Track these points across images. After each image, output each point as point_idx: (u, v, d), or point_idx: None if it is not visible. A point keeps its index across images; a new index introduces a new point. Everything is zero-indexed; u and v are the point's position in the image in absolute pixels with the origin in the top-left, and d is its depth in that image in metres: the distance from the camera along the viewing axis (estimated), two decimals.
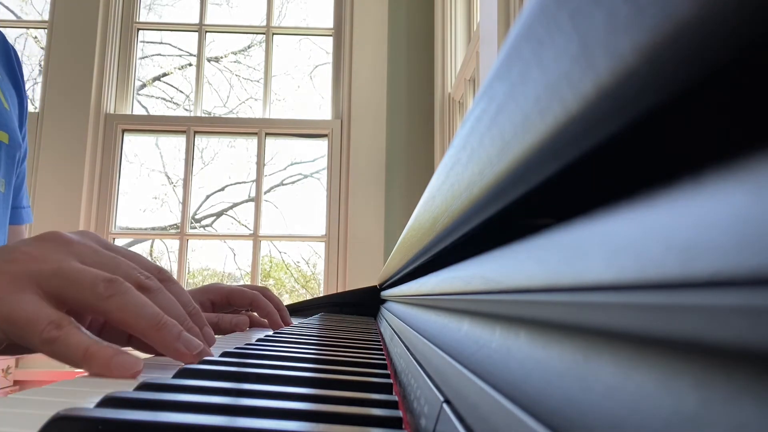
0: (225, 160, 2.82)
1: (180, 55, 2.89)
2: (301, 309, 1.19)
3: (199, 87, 2.60)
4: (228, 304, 0.71)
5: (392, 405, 0.25)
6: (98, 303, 0.33)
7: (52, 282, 0.33)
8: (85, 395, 0.26)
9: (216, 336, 0.70)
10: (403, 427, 0.22)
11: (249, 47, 2.88)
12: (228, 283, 0.72)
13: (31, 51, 2.77)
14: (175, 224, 2.66)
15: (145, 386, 0.26)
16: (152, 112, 2.79)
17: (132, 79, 2.55)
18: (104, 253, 0.37)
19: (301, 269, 3.22)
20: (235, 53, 2.89)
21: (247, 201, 2.80)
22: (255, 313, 0.73)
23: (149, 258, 0.50)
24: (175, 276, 2.41)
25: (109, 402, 0.22)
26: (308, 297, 1.64)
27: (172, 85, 2.93)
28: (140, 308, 0.34)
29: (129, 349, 0.36)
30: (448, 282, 0.25)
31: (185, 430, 0.19)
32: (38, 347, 0.32)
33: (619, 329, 0.08)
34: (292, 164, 2.74)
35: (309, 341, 0.53)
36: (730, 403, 0.06)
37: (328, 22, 2.61)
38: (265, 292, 0.73)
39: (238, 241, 2.79)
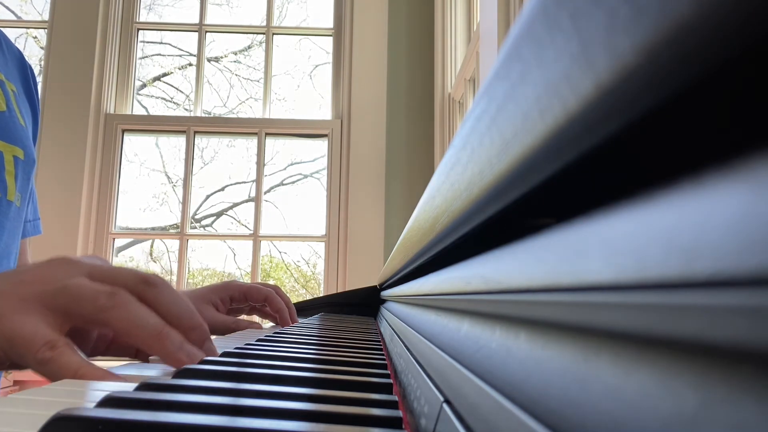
0: (225, 160, 2.82)
1: (180, 55, 2.89)
2: (301, 309, 1.19)
3: (199, 87, 2.60)
4: (245, 300, 0.79)
5: (392, 405, 0.25)
6: (100, 315, 0.34)
7: (57, 299, 0.34)
8: (85, 395, 0.26)
9: (226, 336, 0.71)
10: (403, 427, 0.22)
11: (249, 47, 2.88)
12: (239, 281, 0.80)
13: (31, 51, 2.78)
14: (175, 224, 2.66)
15: (145, 386, 0.26)
16: (152, 112, 2.79)
17: (132, 79, 2.55)
18: (108, 267, 0.38)
19: (301, 269, 3.22)
20: (235, 53, 2.89)
21: (247, 201, 2.80)
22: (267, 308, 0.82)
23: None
24: (175, 276, 2.41)
25: (109, 402, 0.22)
26: (308, 297, 1.64)
27: (172, 85, 2.93)
28: (142, 319, 0.34)
29: (126, 365, 0.36)
30: (448, 282, 0.25)
31: (185, 430, 0.19)
32: (33, 367, 0.33)
33: (619, 329, 0.08)
34: (292, 164, 2.74)
35: (309, 341, 0.53)
36: (730, 403, 0.06)
37: (328, 22, 2.61)
38: (277, 290, 0.83)
39: (238, 241, 2.79)
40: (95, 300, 0.34)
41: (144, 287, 0.37)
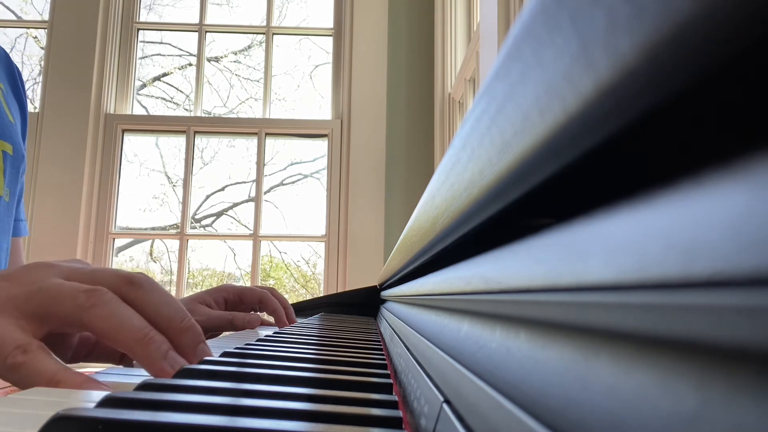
0: (225, 160, 2.82)
1: (180, 55, 2.89)
2: (301, 309, 1.19)
3: (199, 87, 2.60)
4: (240, 302, 0.78)
5: (392, 405, 0.25)
6: (79, 314, 0.31)
7: (33, 301, 0.32)
8: (85, 395, 0.26)
9: (224, 333, 0.71)
10: (403, 427, 0.22)
11: (249, 47, 2.88)
12: (234, 283, 0.79)
13: (31, 51, 2.77)
14: (175, 224, 2.66)
15: (145, 386, 0.26)
16: (152, 112, 2.79)
17: (132, 79, 2.55)
18: (89, 268, 0.35)
19: (301, 269, 3.21)
20: (235, 53, 2.89)
21: (247, 201, 2.80)
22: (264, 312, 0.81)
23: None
24: (175, 276, 2.41)
25: (109, 402, 0.22)
26: (308, 297, 1.64)
27: (172, 85, 2.93)
28: (125, 319, 0.31)
29: (108, 369, 0.34)
30: (448, 282, 0.25)
31: (185, 430, 0.19)
32: (3, 374, 0.30)
33: (619, 329, 0.08)
34: (292, 164, 2.74)
35: (309, 341, 0.53)
36: (730, 403, 0.06)
37: (328, 22, 2.61)
38: (272, 291, 0.81)
39: (238, 241, 2.79)
40: (73, 298, 0.31)
41: (128, 288, 0.33)
